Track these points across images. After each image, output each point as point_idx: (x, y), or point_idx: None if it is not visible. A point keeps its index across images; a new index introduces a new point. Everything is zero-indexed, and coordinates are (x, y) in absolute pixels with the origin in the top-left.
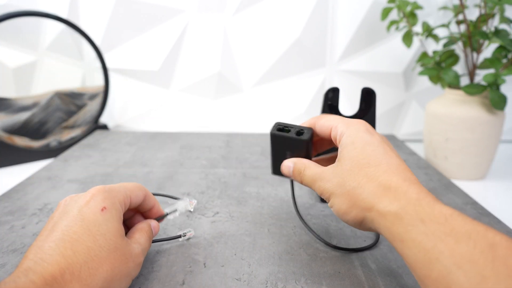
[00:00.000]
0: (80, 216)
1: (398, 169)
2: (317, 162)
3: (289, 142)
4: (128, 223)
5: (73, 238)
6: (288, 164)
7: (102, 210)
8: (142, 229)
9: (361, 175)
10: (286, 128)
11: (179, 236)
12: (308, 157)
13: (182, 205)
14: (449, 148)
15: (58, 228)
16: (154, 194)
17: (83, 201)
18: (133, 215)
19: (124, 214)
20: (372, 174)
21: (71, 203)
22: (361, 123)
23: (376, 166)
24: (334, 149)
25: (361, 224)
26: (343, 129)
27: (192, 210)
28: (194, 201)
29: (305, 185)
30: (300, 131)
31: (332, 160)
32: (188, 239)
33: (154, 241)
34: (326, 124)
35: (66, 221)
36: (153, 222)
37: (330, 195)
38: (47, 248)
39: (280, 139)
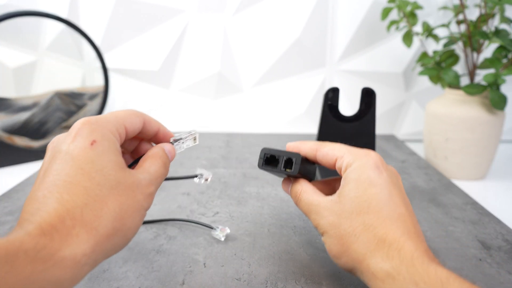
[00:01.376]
0: (69, 155)
1: (399, 219)
2: (322, 183)
3: (280, 173)
4: (135, 155)
5: (66, 181)
6: (287, 183)
7: (91, 144)
8: (154, 155)
9: (358, 221)
10: (274, 157)
11: (195, 176)
12: (307, 174)
13: (189, 136)
14: (449, 148)
15: (49, 173)
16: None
17: (69, 138)
18: (138, 144)
19: (128, 145)
20: (370, 223)
21: (57, 144)
22: (370, 156)
23: (375, 213)
24: (324, 170)
25: (351, 271)
26: (350, 160)
27: (208, 180)
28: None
29: (300, 209)
30: (288, 159)
31: (333, 185)
32: (206, 180)
33: (169, 179)
34: (331, 153)
35: (56, 164)
36: (167, 146)
37: (324, 232)
38: (41, 196)
39: (270, 172)
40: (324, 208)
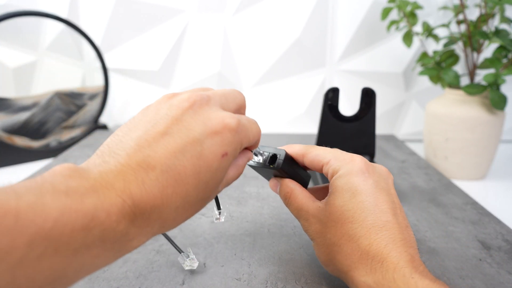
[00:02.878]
0: (199, 151)
1: (384, 227)
2: (317, 188)
3: (267, 170)
4: None
5: (180, 176)
6: (275, 182)
7: (222, 156)
8: (240, 166)
9: (342, 231)
10: (261, 154)
11: (219, 207)
12: (296, 176)
13: (268, 156)
14: (449, 148)
15: (170, 142)
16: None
17: (211, 129)
18: None
19: None
20: (354, 233)
21: (195, 117)
22: (355, 162)
23: (360, 222)
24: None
25: (339, 278)
26: (336, 167)
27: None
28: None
29: (291, 212)
30: (273, 156)
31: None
32: (217, 219)
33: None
34: (317, 159)
35: (182, 142)
36: (250, 154)
37: (312, 239)
38: (147, 165)
39: (256, 168)
40: (312, 215)
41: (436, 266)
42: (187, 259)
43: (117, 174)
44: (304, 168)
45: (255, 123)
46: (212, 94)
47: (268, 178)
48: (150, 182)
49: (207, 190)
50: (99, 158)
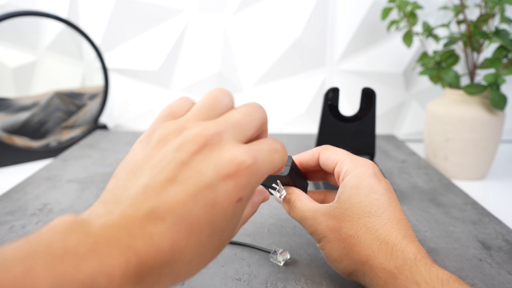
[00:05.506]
0: (213, 198)
1: (399, 223)
2: (312, 195)
3: (271, 177)
4: None
5: (192, 225)
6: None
7: (237, 202)
8: (255, 204)
9: (360, 224)
10: None
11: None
12: (299, 185)
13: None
14: (449, 148)
15: (180, 190)
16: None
17: (224, 172)
18: None
19: None
20: (372, 225)
21: (205, 160)
22: (369, 165)
23: (377, 216)
24: (328, 185)
25: (349, 275)
26: (349, 167)
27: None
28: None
29: (293, 218)
30: None
31: (323, 196)
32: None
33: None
34: (332, 157)
35: (193, 189)
36: (266, 194)
37: (322, 238)
38: (158, 217)
39: None
40: (322, 213)
41: None
42: (278, 255)
43: (122, 227)
44: (304, 176)
45: (278, 150)
46: (224, 128)
47: (271, 186)
48: (159, 236)
49: (223, 237)
50: (102, 207)
